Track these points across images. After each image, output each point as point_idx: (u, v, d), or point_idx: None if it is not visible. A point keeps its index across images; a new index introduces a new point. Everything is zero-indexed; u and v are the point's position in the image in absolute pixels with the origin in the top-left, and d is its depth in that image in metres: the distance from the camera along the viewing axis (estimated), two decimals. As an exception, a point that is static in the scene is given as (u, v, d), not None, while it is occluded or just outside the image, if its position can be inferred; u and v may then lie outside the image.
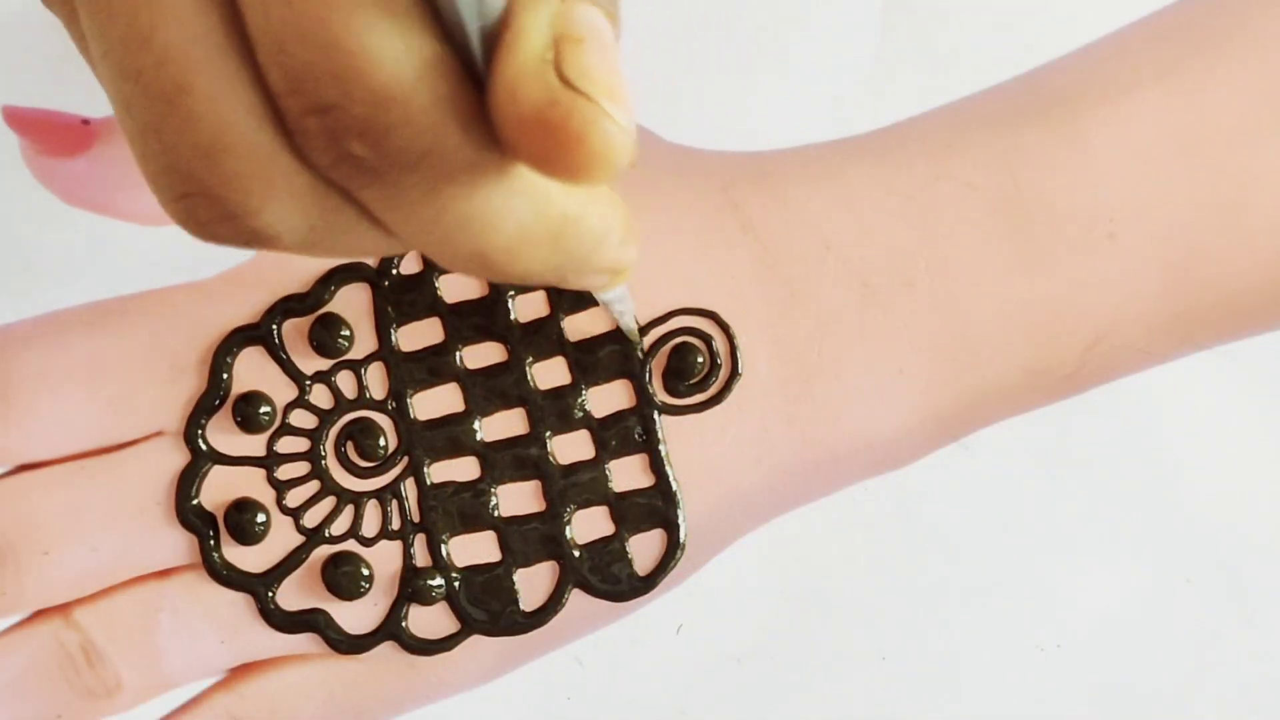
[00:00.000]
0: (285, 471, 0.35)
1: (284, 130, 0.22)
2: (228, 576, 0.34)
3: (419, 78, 0.21)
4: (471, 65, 0.22)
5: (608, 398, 0.35)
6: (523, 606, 0.35)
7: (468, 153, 0.22)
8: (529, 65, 0.21)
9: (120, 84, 0.23)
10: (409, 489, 0.35)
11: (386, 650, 0.35)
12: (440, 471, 0.35)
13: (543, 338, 0.35)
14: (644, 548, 0.35)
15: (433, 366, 0.35)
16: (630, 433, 0.35)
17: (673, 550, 0.35)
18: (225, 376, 0.34)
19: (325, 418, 0.35)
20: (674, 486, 0.35)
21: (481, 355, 0.35)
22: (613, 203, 0.25)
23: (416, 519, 0.35)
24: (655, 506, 0.35)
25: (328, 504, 0.35)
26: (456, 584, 0.35)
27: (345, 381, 0.35)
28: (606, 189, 0.25)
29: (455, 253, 0.24)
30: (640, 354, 0.35)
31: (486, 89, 0.22)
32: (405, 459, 0.35)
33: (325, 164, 0.22)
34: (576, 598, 0.35)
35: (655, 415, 0.35)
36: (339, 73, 0.21)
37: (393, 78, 0.21)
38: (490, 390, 0.35)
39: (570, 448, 0.35)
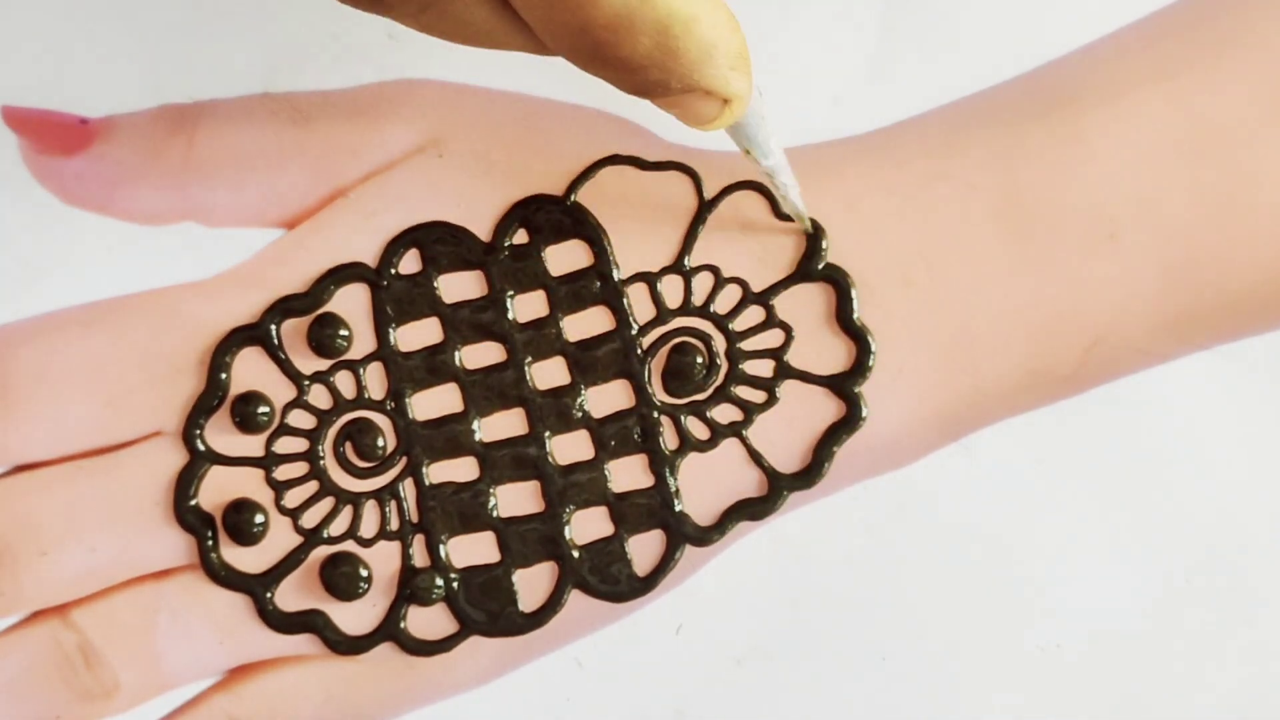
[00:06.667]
0: (284, 472, 0.35)
1: None
2: (226, 577, 0.34)
3: None
4: None
5: (607, 397, 0.35)
6: (522, 607, 0.35)
7: None
8: None
9: None
10: (408, 489, 0.35)
11: (385, 651, 0.35)
12: (439, 472, 0.35)
13: (542, 337, 0.35)
14: (643, 548, 0.35)
15: (431, 366, 0.35)
16: (629, 433, 0.35)
17: (672, 550, 0.35)
18: (224, 376, 0.34)
19: (324, 418, 0.35)
20: (673, 487, 0.35)
21: (480, 355, 0.35)
22: (730, 24, 0.27)
23: (415, 519, 0.35)
24: (654, 507, 0.35)
25: (326, 504, 0.35)
26: (455, 585, 0.35)
27: (344, 381, 0.35)
28: (727, 13, 0.26)
29: (562, 24, 0.25)
30: (811, 232, 0.35)
31: None
32: (404, 459, 0.35)
33: None
34: (576, 598, 0.35)
35: (655, 415, 0.35)
36: None
37: None
38: (489, 390, 0.35)
39: (569, 448, 0.35)
